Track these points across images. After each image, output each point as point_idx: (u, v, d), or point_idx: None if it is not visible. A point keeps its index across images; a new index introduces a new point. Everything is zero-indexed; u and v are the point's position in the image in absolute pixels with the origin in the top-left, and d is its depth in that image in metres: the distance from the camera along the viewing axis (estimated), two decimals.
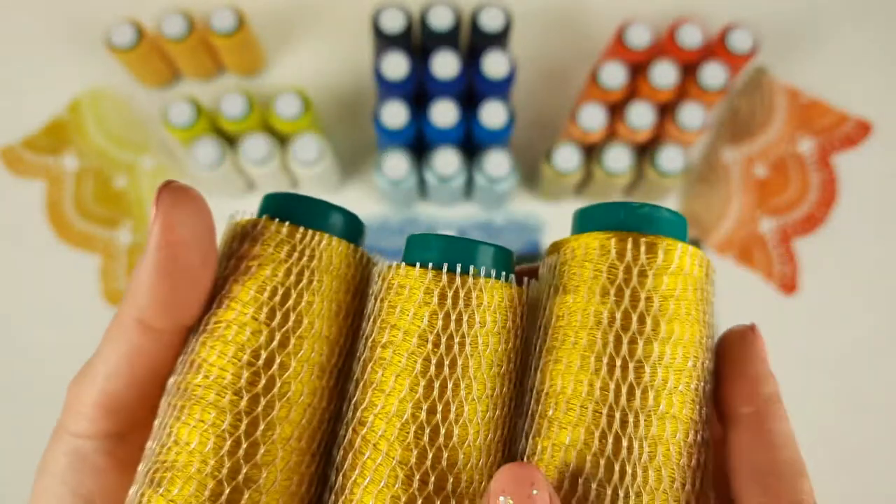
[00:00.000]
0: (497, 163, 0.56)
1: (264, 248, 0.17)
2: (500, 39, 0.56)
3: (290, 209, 0.18)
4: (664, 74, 0.56)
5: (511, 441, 0.18)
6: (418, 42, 0.57)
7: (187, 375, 0.17)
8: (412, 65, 0.54)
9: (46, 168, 0.65)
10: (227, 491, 0.15)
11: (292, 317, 0.17)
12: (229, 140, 0.59)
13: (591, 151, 0.59)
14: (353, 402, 0.17)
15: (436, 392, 0.16)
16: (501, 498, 0.14)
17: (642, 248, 0.17)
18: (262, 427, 0.16)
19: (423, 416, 0.16)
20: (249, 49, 0.64)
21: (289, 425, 0.16)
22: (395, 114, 0.54)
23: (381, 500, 0.16)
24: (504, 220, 0.66)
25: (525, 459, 0.17)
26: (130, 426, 0.18)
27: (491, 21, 0.55)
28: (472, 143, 0.57)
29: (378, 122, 0.55)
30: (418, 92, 0.56)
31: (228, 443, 0.16)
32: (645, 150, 0.60)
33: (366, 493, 0.16)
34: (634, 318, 0.16)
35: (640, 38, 0.58)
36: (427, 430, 0.16)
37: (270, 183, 0.61)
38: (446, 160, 0.56)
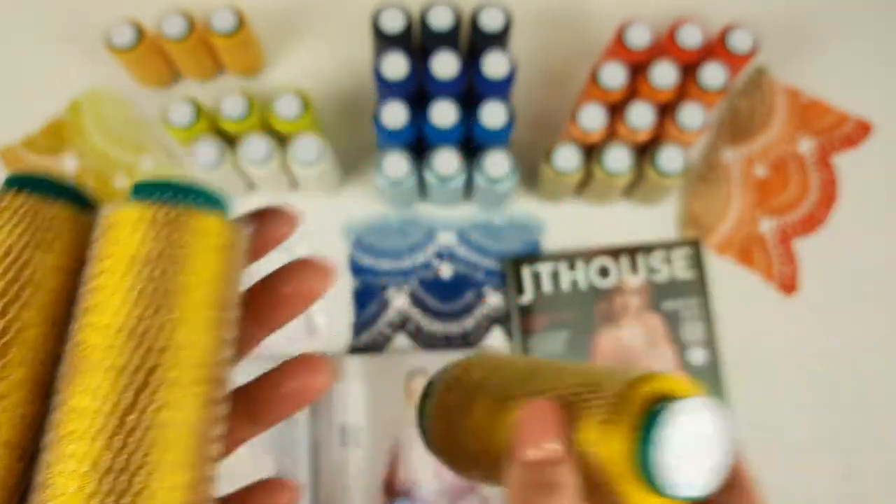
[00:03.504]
0: (497, 163, 0.56)
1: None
2: (500, 39, 0.56)
3: (24, 182, 0.20)
4: (664, 74, 0.56)
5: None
6: (418, 42, 0.57)
7: None
8: (412, 65, 0.54)
9: (46, 168, 0.65)
10: None
11: (12, 270, 0.19)
12: (229, 140, 0.59)
13: (591, 151, 0.59)
14: (71, 331, 0.19)
15: (152, 307, 0.18)
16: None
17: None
18: None
19: (139, 327, 0.17)
20: (249, 49, 0.64)
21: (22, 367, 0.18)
22: (395, 114, 0.54)
23: (97, 397, 0.17)
24: (504, 220, 0.66)
25: None
26: None
27: (491, 21, 0.55)
28: (472, 143, 0.57)
29: (378, 122, 0.55)
30: (418, 92, 0.56)
31: None
32: (645, 150, 0.60)
33: (83, 394, 0.17)
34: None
35: (640, 38, 0.57)
36: (146, 339, 0.17)
37: (270, 183, 0.61)
38: (446, 160, 0.56)
